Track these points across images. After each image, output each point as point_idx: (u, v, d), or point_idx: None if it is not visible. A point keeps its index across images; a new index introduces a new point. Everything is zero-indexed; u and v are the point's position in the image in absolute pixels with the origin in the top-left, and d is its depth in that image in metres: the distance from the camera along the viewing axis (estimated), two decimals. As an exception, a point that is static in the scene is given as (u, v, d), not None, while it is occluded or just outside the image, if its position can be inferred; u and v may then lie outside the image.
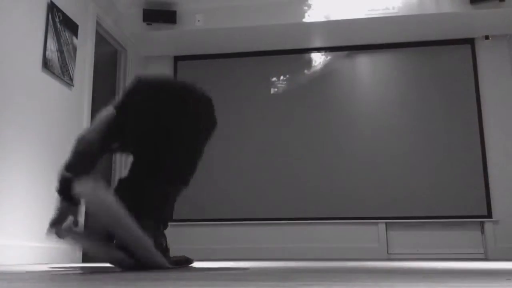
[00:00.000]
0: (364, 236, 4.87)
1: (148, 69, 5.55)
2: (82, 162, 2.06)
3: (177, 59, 5.55)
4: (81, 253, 3.83)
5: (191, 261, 2.41)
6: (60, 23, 3.65)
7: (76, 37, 3.89)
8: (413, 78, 5.20)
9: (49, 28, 3.51)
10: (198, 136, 2.33)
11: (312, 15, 4.80)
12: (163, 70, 5.53)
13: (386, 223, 4.86)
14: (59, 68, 3.62)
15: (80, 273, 1.89)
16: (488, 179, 4.81)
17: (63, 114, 3.71)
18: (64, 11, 3.72)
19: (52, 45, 3.53)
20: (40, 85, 3.42)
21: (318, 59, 5.37)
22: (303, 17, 4.82)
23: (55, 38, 3.57)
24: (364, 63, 5.36)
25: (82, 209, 2.06)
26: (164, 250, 2.13)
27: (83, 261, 3.85)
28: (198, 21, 4.92)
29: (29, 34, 3.33)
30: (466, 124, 4.98)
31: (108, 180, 4.74)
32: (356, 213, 4.92)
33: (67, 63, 3.74)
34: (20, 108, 3.20)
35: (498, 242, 4.67)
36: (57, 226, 1.96)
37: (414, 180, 4.92)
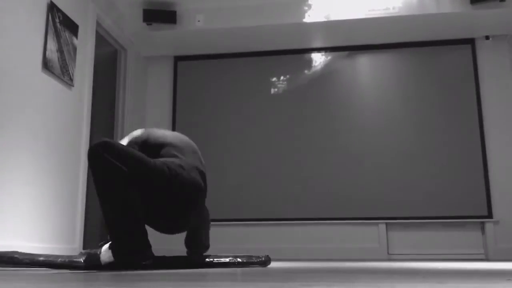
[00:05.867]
0: (364, 236, 4.87)
1: (149, 69, 5.55)
2: None
3: (177, 59, 5.55)
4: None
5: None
6: (60, 23, 3.65)
7: (76, 37, 3.89)
8: (413, 78, 5.19)
9: (49, 28, 3.51)
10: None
11: (312, 15, 4.80)
12: (164, 70, 5.53)
13: (386, 223, 4.85)
14: (59, 68, 3.61)
15: (80, 273, 1.89)
16: (488, 179, 4.81)
17: (63, 114, 3.71)
18: (64, 11, 3.72)
19: (52, 45, 3.53)
20: (40, 85, 3.42)
21: (318, 59, 5.36)
22: (303, 17, 4.81)
23: (55, 38, 3.57)
24: (364, 63, 5.35)
25: None
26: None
27: (83, 261, 3.84)
28: (198, 21, 4.92)
29: (29, 34, 3.33)
30: (466, 124, 4.97)
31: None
32: (356, 213, 4.91)
33: (67, 63, 3.74)
34: (20, 108, 3.20)
35: (499, 243, 4.67)
36: None
37: (414, 180, 4.91)
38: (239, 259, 2.35)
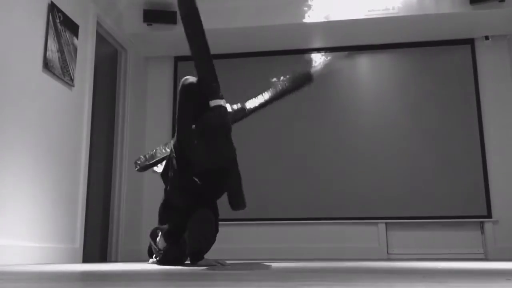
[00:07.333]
0: (364, 236, 4.87)
1: (149, 70, 5.55)
2: None
3: (177, 59, 5.54)
4: (81, 253, 3.83)
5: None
6: (60, 24, 3.65)
7: (77, 38, 3.89)
8: (413, 78, 5.20)
9: (50, 29, 3.51)
10: None
11: (312, 16, 4.80)
12: (164, 70, 5.53)
13: (386, 223, 4.85)
14: (59, 68, 3.62)
15: (80, 273, 1.90)
16: (488, 179, 4.81)
17: (64, 115, 3.71)
18: (65, 12, 3.72)
19: (52, 46, 3.53)
20: (40, 86, 3.43)
21: (318, 59, 5.36)
22: (303, 17, 4.81)
23: (55, 38, 3.58)
24: (364, 64, 5.36)
25: None
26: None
27: (84, 261, 3.85)
28: (198, 21, 4.92)
29: (30, 34, 3.34)
30: (466, 124, 4.98)
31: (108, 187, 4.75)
32: (356, 213, 4.92)
33: (68, 63, 3.74)
34: (21, 108, 3.21)
35: (498, 242, 4.67)
36: None
37: (414, 180, 4.91)
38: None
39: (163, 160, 2.97)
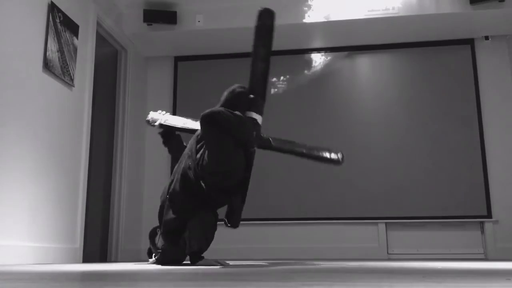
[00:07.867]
0: (364, 236, 4.87)
1: (149, 70, 5.55)
2: None
3: (177, 59, 5.54)
4: (81, 253, 3.84)
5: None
6: (60, 24, 3.66)
7: (77, 38, 3.90)
8: (413, 79, 5.20)
9: (50, 29, 3.51)
10: None
11: (312, 16, 4.81)
12: (164, 70, 5.53)
13: (386, 223, 4.86)
14: (59, 68, 3.62)
15: (80, 273, 1.90)
16: (488, 179, 4.81)
17: (64, 115, 3.71)
18: (65, 12, 3.72)
19: (52, 46, 3.53)
20: (40, 86, 3.43)
21: (318, 59, 5.37)
22: (303, 17, 4.82)
23: (55, 38, 3.58)
24: (364, 64, 5.36)
25: None
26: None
27: (84, 261, 3.85)
28: (199, 21, 4.92)
29: (30, 34, 3.34)
30: (466, 124, 4.98)
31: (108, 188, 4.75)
32: (356, 213, 4.92)
33: (68, 63, 3.74)
34: (21, 108, 3.21)
35: (498, 242, 4.67)
36: None
37: (414, 180, 4.92)
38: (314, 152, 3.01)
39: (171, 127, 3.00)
